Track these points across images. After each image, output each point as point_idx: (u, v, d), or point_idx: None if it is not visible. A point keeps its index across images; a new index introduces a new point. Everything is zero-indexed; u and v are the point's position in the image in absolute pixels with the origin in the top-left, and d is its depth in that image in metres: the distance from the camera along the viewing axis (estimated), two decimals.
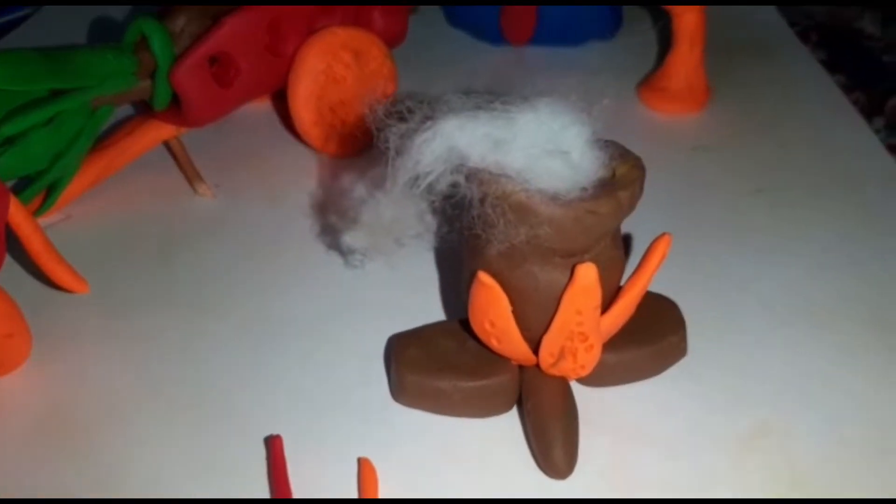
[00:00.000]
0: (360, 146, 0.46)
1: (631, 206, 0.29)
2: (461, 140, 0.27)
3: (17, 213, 0.33)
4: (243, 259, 0.40)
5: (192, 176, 0.45)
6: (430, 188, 0.27)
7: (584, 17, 0.57)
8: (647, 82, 0.52)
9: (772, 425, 0.33)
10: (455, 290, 0.37)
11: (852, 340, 0.36)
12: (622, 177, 0.29)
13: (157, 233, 0.42)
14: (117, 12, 0.62)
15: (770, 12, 0.62)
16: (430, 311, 0.37)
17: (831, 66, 0.59)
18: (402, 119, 0.28)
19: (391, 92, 0.48)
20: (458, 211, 0.29)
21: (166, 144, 0.46)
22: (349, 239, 0.30)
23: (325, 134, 0.45)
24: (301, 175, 0.46)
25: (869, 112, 0.54)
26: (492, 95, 0.28)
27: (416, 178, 0.27)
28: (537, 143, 0.27)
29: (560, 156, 0.27)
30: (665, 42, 0.55)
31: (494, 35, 0.58)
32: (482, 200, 0.28)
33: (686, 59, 0.50)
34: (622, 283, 0.31)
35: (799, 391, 0.34)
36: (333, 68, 0.44)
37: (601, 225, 0.28)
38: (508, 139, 0.27)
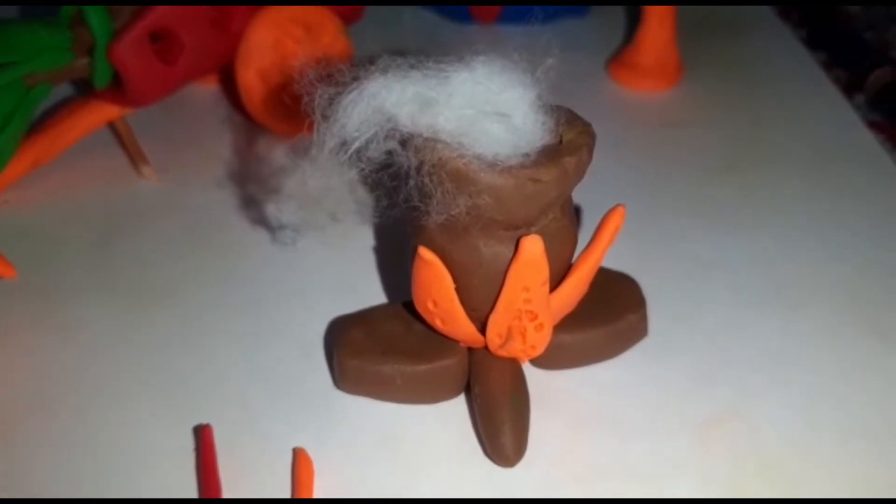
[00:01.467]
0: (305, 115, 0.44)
1: (578, 174, 0.27)
2: (388, 100, 0.25)
3: None
4: (183, 244, 0.38)
5: (136, 158, 0.43)
6: (359, 154, 0.25)
7: None
8: (618, 58, 0.50)
9: (737, 410, 0.31)
10: (399, 269, 0.35)
11: (822, 322, 0.34)
12: (569, 143, 0.27)
13: (96, 218, 0.40)
14: None
15: None
16: (374, 292, 0.35)
17: (812, 43, 0.57)
18: (332, 83, 0.26)
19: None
20: (396, 182, 0.27)
21: (111, 125, 0.44)
22: (275, 211, 0.27)
23: (275, 112, 0.43)
24: (247, 153, 0.43)
25: (850, 89, 0.52)
26: (427, 57, 0.26)
27: (344, 143, 0.25)
28: (474, 105, 0.25)
29: (499, 119, 0.25)
30: (635, 21, 0.54)
31: (461, 13, 0.56)
32: (418, 169, 0.26)
33: (656, 34, 0.48)
34: (575, 258, 0.29)
35: (765, 374, 0.32)
36: (283, 43, 0.42)
37: (545, 194, 0.26)
38: (441, 99, 0.25)
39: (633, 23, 0.55)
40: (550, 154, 0.26)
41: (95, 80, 0.40)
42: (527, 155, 0.26)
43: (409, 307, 0.31)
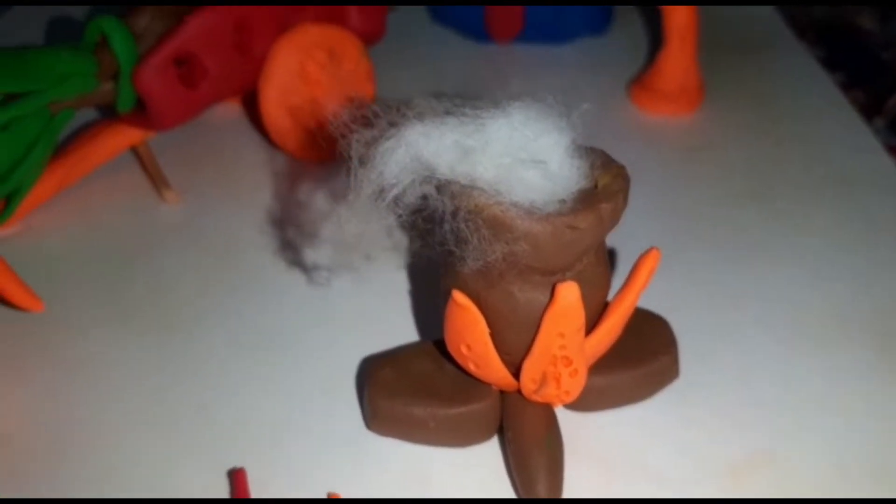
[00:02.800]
0: (335, 151, 0.44)
1: (614, 220, 0.27)
2: (427, 148, 0.25)
3: None
4: (209, 274, 0.38)
5: (158, 182, 0.42)
6: (396, 201, 0.25)
7: (572, 14, 0.54)
8: (638, 82, 0.50)
9: (767, 452, 0.30)
10: (431, 308, 0.35)
11: (851, 359, 0.34)
12: (605, 188, 0.27)
13: (119, 244, 0.40)
14: (80, 12, 0.59)
15: (766, 10, 0.60)
16: (405, 331, 0.35)
17: (830, 63, 0.57)
18: (367, 125, 0.26)
19: (369, 93, 0.45)
20: (430, 225, 0.27)
21: (133, 149, 0.44)
22: (312, 255, 0.27)
23: (297, 138, 0.43)
24: (272, 181, 0.43)
25: (869, 111, 0.52)
26: (463, 99, 0.26)
27: (381, 190, 0.25)
28: (510, 152, 0.25)
29: (536, 165, 0.25)
30: (657, 39, 0.53)
31: (479, 32, 0.56)
32: (454, 214, 0.26)
33: (677, 58, 0.48)
34: (608, 301, 0.29)
35: (796, 415, 0.32)
36: (306, 68, 0.42)
37: (582, 240, 0.26)
38: (479, 147, 0.25)
39: (653, 42, 0.55)
40: (587, 200, 0.26)
41: (119, 104, 0.40)
42: (563, 201, 0.26)
43: (441, 345, 0.31)
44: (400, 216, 0.26)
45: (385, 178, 0.25)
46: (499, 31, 0.55)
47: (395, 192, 0.25)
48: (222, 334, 0.35)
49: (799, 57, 0.55)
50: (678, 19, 0.46)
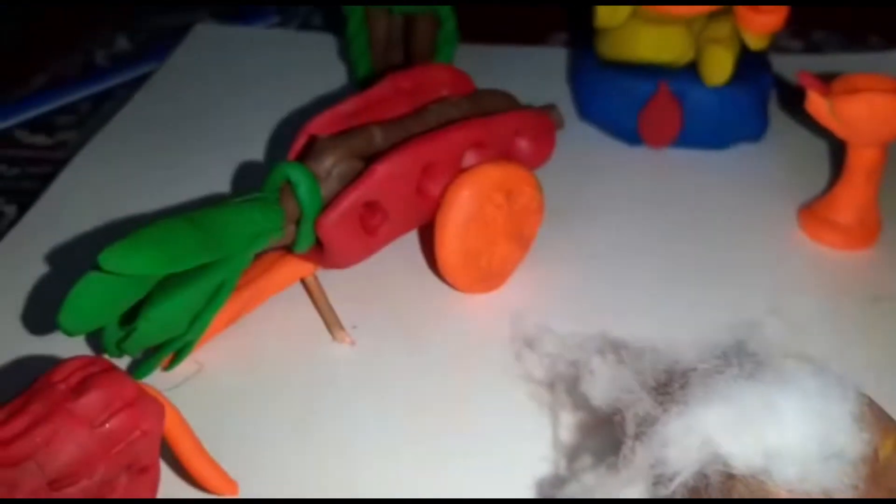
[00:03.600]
0: (502, 280, 0.43)
1: None
2: (722, 439, 0.23)
3: (173, 428, 0.30)
4: (389, 424, 0.37)
5: (330, 321, 0.41)
6: (671, 479, 0.24)
7: (731, 120, 0.52)
8: (811, 209, 0.48)
9: None
10: None
11: None
12: (886, 461, 0.25)
13: (291, 388, 0.39)
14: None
15: None
16: None
17: None
18: (642, 386, 0.25)
19: (537, 224, 0.44)
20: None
21: (302, 282, 0.43)
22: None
23: (470, 276, 0.42)
24: (443, 318, 0.42)
25: None
26: (750, 359, 0.25)
27: (661, 475, 0.24)
28: (806, 436, 0.24)
29: (835, 457, 0.24)
30: (814, 148, 0.52)
31: (631, 135, 0.54)
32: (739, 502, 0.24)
33: (860, 193, 0.46)
34: None
35: None
36: (485, 210, 0.41)
37: None
38: (779, 443, 0.23)
39: (811, 151, 0.53)
40: (876, 480, 0.25)
41: (297, 247, 0.39)
42: (855, 487, 0.24)
43: None
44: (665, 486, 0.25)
45: (669, 465, 0.23)
46: (653, 136, 0.53)
47: (677, 481, 0.23)
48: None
49: None
50: (868, 156, 0.44)
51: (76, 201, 0.51)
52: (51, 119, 0.61)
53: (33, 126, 0.60)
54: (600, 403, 0.26)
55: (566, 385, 0.32)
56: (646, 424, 0.24)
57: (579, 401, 0.30)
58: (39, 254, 0.46)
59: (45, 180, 0.54)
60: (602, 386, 0.25)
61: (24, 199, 0.53)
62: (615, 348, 0.28)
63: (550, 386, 0.34)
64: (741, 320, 0.37)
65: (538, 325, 0.37)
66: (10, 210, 0.53)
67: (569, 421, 0.33)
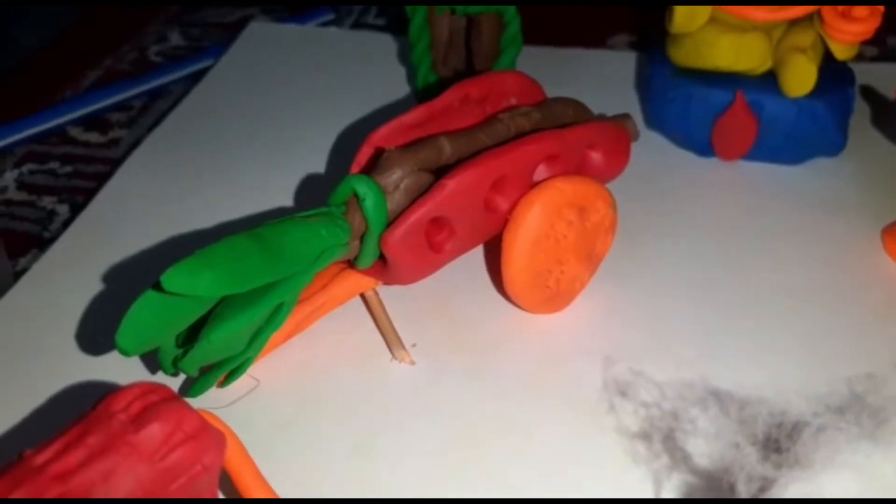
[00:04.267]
0: (569, 301, 0.41)
1: None
2: None
3: (234, 457, 0.29)
4: (446, 451, 0.35)
5: (390, 339, 0.40)
6: None
7: (810, 134, 0.49)
8: (893, 230, 0.45)
9: None
10: None
11: None
12: None
13: (348, 407, 0.37)
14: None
15: None
16: None
17: None
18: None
19: (609, 245, 0.42)
20: None
21: (362, 297, 0.41)
22: None
23: (537, 296, 0.40)
24: (507, 340, 0.40)
25: None
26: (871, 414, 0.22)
27: None
28: None
29: None
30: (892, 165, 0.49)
31: (703, 146, 0.51)
32: None
33: None
34: None
35: None
36: (556, 228, 0.39)
37: None
38: None
39: (890, 168, 0.50)
40: None
41: (361, 262, 0.38)
42: None
43: None
44: None
45: None
46: (726, 148, 0.51)
47: None
48: None
49: None
50: None
51: (129, 204, 0.50)
52: (104, 116, 0.60)
53: (87, 123, 0.60)
54: (705, 464, 0.23)
55: (662, 437, 0.29)
56: (756, 486, 0.22)
57: (679, 457, 0.27)
58: (92, 261, 0.45)
59: (98, 179, 0.53)
60: (704, 441, 0.23)
61: (77, 198, 0.52)
62: (716, 395, 0.26)
63: (645, 436, 0.31)
64: (858, 368, 0.34)
65: (630, 369, 0.34)
66: (63, 209, 0.52)
67: (669, 480, 0.29)
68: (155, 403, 0.26)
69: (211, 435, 0.27)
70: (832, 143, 0.50)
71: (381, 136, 0.40)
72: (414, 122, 0.40)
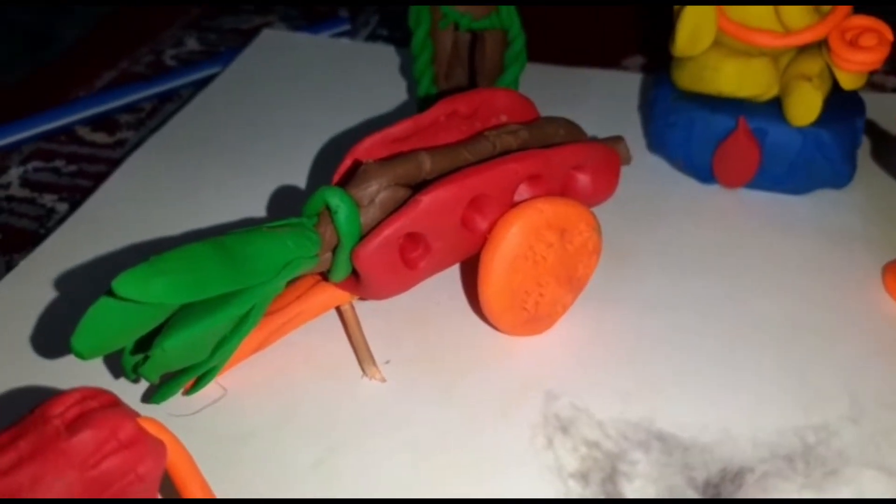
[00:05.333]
0: (551, 324, 0.40)
1: None
2: None
3: (177, 464, 0.28)
4: (407, 471, 0.35)
5: (362, 355, 0.39)
6: None
7: (815, 164, 0.48)
8: (894, 269, 0.44)
9: None
10: None
11: None
12: None
13: (314, 422, 0.37)
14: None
15: None
16: None
17: None
18: None
19: (592, 269, 0.41)
20: None
21: (338, 310, 0.41)
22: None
23: (514, 318, 0.39)
24: (480, 363, 0.40)
25: None
26: (820, 465, 0.21)
27: None
28: None
29: None
30: None
31: (704, 172, 0.50)
32: None
33: None
34: None
35: None
36: (535, 249, 0.38)
37: None
38: None
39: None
40: None
41: (333, 275, 0.37)
42: None
43: None
44: None
45: None
46: (728, 175, 0.50)
47: None
48: None
49: None
50: None
51: (124, 205, 0.50)
52: (114, 117, 0.61)
53: (95, 123, 0.60)
54: None
55: (602, 478, 0.28)
56: None
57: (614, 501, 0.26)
58: (81, 259, 0.46)
59: (98, 179, 0.54)
60: (642, 484, 0.22)
61: (77, 196, 0.53)
62: (661, 438, 0.25)
63: (584, 478, 0.30)
64: (812, 418, 0.32)
65: (575, 406, 0.33)
66: (63, 207, 0.52)
67: None
68: (93, 410, 0.26)
69: (148, 444, 0.27)
70: (838, 173, 0.49)
71: (365, 148, 0.39)
72: (399, 135, 0.40)
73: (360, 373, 0.39)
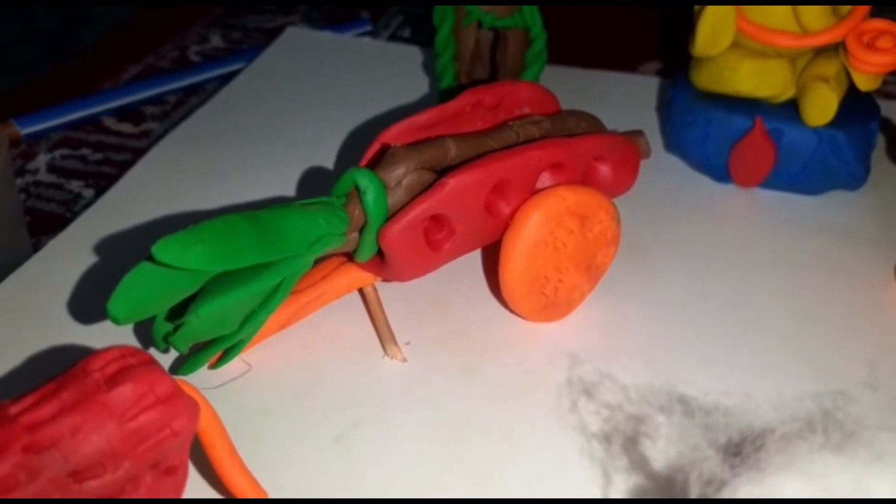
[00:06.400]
0: (568, 310, 0.41)
1: None
2: None
3: (208, 429, 0.29)
4: (429, 448, 0.35)
5: (384, 336, 0.40)
6: None
7: (829, 165, 0.49)
8: None
9: None
10: None
11: None
12: None
13: (336, 400, 0.38)
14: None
15: None
16: None
17: None
18: None
19: (610, 258, 0.42)
20: None
21: (360, 292, 0.42)
22: None
23: (533, 303, 0.40)
24: (500, 346, 0.40)
25: None
26: (839, 428, 0.22)
27: None
28: None
29: None
30: None
31: (720, 172, 0.51)
32: None
33: None
34: None
35: None
36: (555, 235, 0.39)
37: None
38: None
39: None
40: None
41: (359, 255, 0.38)
42: None
43: None
44: None
45: None
46: (743, 175, 0.50)
47: None
48: None
49: None
50: None
51: (148, 192, 0.51)
52: (139, 109, 0.62)
53: (122, 114, 0.61)
54: (661, 467, 0.23)
55: (623, 441, 0.29)
56: (711, 487, 0.21)
57: (636, 461, 0.27)
58: (106, 241, 0.47)
59: (123, 168, 0.55)
60: (664, 446, 0.23)
61: (102, 183, 0.54)
62: (683, 401, 0.26)
63: (606, 440, 0.31)
64: (831, 385, 0.33)
65: (599, 371, 0.34)
66: (89, 193, 0.53)
67: (622, 483, 0.30)
68: (131, 366, 0.27)
69: (183, 401, 0.27)
70: (853, 175, 0.49)
71: (392, 134, 0.40)
72: (425, 123, 0.41)
73: (382, 353, 0.40)
